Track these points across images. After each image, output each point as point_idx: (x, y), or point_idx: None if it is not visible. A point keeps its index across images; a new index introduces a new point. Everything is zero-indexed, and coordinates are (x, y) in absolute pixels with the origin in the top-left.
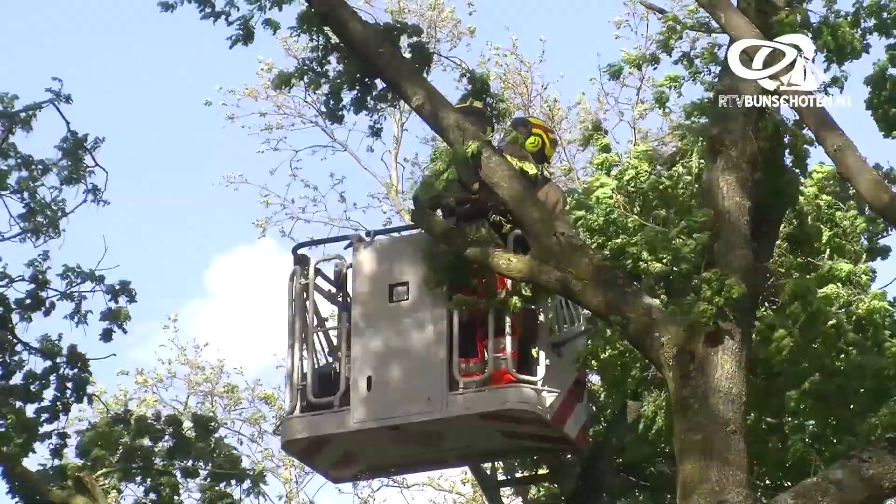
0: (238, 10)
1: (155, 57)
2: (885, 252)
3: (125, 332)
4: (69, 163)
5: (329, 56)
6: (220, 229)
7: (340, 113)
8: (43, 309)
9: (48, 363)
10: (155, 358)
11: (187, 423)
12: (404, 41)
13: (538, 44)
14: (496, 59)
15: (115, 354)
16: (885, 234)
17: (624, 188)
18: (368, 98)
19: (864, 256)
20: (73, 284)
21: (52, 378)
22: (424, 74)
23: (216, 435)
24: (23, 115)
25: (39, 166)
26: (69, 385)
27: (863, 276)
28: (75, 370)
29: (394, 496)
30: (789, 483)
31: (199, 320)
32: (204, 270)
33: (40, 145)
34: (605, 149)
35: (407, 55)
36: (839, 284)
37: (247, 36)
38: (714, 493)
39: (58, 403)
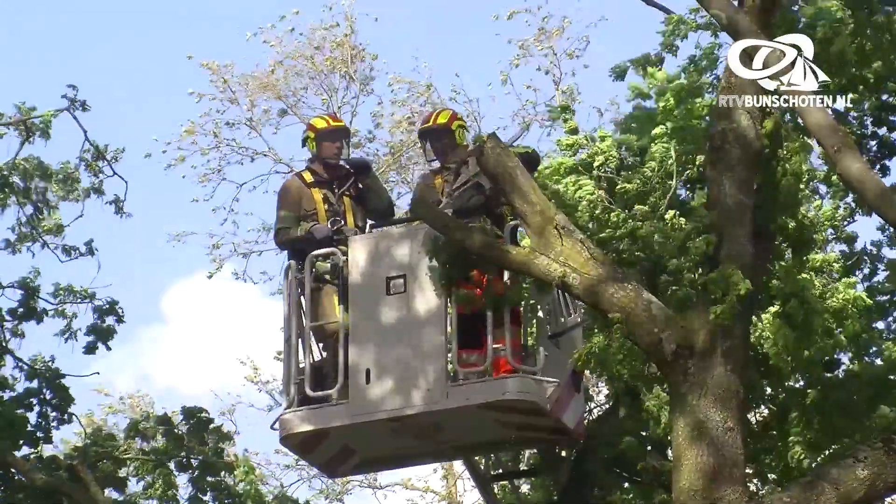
0: None
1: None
2: (851, 239)
3: (109, 349)
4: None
5: None
6: (178, 255)
7: None
8: (35, 318)
9: (34, 384)
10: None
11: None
12: None
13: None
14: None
15: (98, 373)
16: (849, 220)
17: (601, 181)
18: None
19: (831, 244)
20: (65, 303)
21: (34, 401)
22: None
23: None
24: (37, 121)
25: (60, 176)
26: (52, 408)
27: (834, 263)
28: (55, 396)
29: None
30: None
31: (156, 345)
32: (160, 296)
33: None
34: (573, 131)
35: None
36: (812, 274)
37: None
38: (710, 489)
39: (39, 433)
